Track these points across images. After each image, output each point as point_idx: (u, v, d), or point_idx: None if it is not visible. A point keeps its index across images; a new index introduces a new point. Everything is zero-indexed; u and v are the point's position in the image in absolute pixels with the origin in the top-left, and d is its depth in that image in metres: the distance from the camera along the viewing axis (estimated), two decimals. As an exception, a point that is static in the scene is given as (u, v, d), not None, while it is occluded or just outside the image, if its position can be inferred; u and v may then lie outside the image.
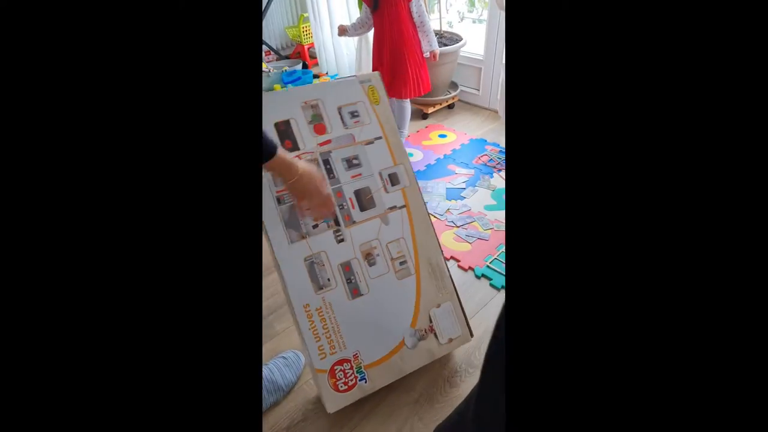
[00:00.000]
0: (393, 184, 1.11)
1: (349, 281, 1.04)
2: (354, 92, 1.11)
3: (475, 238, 1.55)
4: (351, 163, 1.08)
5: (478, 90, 2.45)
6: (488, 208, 1.70)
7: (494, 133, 2.19)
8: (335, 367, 1.01)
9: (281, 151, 0.82)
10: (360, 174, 1.08)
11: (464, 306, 1.13)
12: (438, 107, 2.37)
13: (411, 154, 2.01)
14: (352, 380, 1.02)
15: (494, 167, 1.93)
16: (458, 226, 1.61)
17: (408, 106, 2.04)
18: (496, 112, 2.34)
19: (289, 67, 2.78)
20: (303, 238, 1.02)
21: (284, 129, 1.04)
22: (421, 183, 1.64)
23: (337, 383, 1.01)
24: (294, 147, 1.04)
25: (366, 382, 1.03)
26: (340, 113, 1.09)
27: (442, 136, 2.20)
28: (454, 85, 2.45)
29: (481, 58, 2.35)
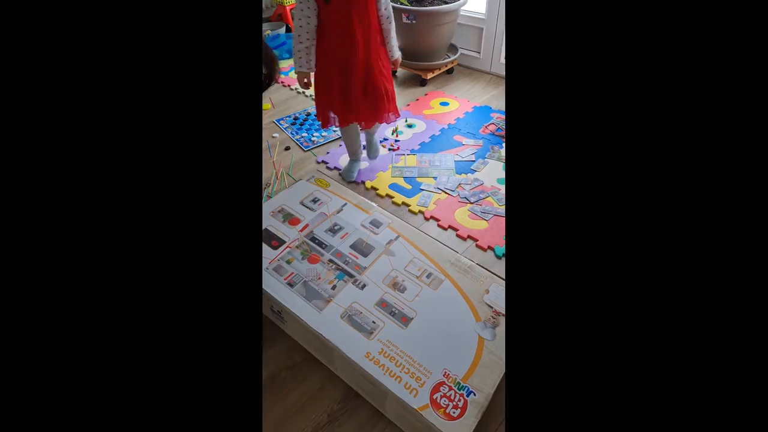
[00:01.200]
0: (377, 227, 1.19)
1: (392, 314, 1.00)
2: (306, 188, 1.29)
3: (491, 215, 1.41)
4: (333, 230, 1.17)
5: (479, 53, 2.20)
6: (501, 181, 1.57)
7: (498, 100, 2.01)
8: (434, 396, 0.87)
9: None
10: (346, 233, 1.16)
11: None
12: (437, 72, 2.15)
13: (413, 125, 1.85)
14: (459, 400, 0.87)
15: (502, 137, 1.78)
16: (472, 203, 1.47)
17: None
18: (499, 76, 2.16)
19: (271, 31, 2.47)
20: (328, 301, 1.01)
21: (265, 236, 1.14)
22: (427, 156, 1.67)
23: (447, 410, 0.85)
24: (280, 243, 1.12)
25: (476, 394, 0.88)
26: (304, 204, 1.23)
27: (444, 104, 2.01)
28: (453, 48, 2.20)
29: (483, 17, 2.09)
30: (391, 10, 1.27)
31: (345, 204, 1.24)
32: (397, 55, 1.35)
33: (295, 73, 1.29)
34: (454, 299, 1.03)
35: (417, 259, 1.11)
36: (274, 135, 1.82)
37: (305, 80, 1.30)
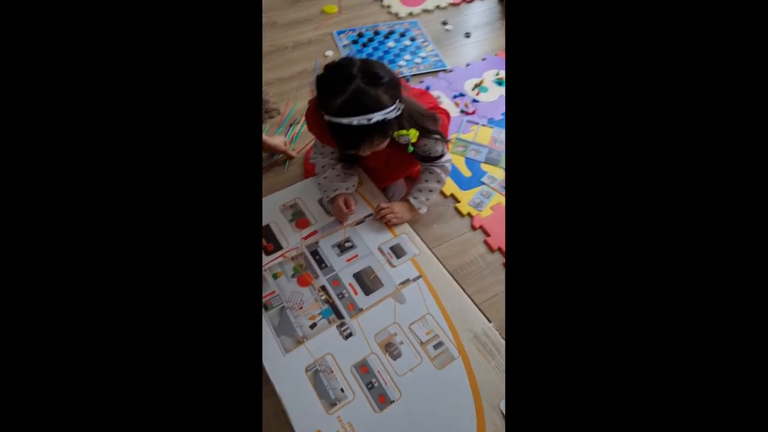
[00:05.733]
0: (398, 257, 0.92)
1: (370, 386, 0.76)
2: (333, 183, 1.05)
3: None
4: (343, 247, 0.94)
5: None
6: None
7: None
8: None
9: None
10: (356, 255, 0.92)
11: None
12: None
13: (485, 89, 1.34)
14: None
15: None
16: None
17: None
18: None
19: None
20: (299, 343, 0.80)
21: (264, 234, 0.95)
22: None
23: None
24: (276, 248, 0.93)
25: None
26: (321, 205, 1.01)
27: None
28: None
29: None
30: (444, 171, 0.97)
31: (369, 215, 0.99)
32: (421, 210, 0.99)
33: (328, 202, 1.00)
34: (458, 392, 0.75)
35: (431, 317, 0.84)
36: (327, 53, 1.52)
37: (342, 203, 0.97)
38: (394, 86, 0.76)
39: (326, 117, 0.76)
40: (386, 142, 0.82)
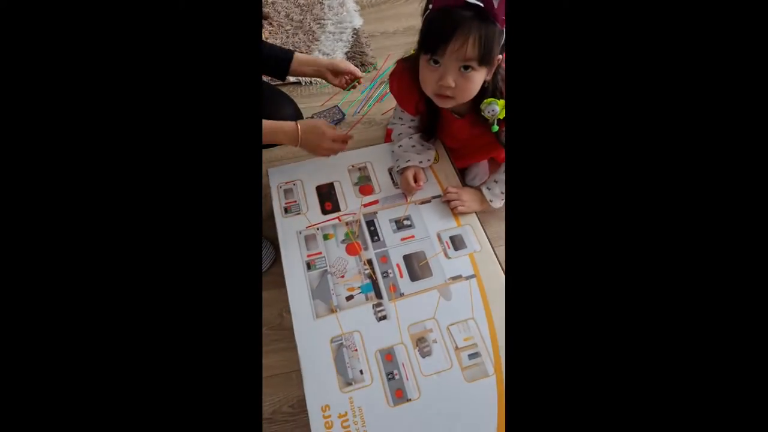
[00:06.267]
0: (456, 249, 0.84)
1: (390, 377, 0.71)
2: (408, 154, 0.98)
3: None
4: (401, 224, 0.87)
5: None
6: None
7: None
8: None
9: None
10: (412, 236, 0.86)
11: None
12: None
13: None
14: None
15: None
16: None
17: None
18: None
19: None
20: (333, 311, 0.78)
21: (326, 191, 0.92)
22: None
23: None
24: (334, 208, 0.90)
25: None
26: (390, 174, 0.95)
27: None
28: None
29: None
30: None
31: (438, 196, 0.91)
32: (494, 203, 0.89)
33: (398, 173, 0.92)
34: (482, 413, 0.68)
35: (474, 323, 0.76)
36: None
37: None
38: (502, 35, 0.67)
39: (425, 13, 0.68)
40: (475, 77, 0.70)
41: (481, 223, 0.88)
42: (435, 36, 0.67)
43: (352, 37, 1.40)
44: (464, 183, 0.98)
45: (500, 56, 0.69)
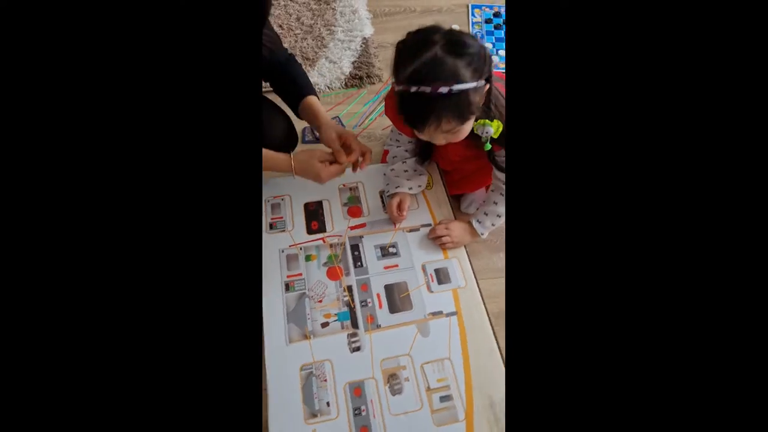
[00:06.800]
0: (440, 282, 0.82)
1: (357, 412, 0.69)
2: (402, 177, 0.96)
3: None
4: (386, 251, 0.85)
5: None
6: None
7: None
8: None
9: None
10: (396, 265, 0.84)
11: None
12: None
13: None
14: None
15: None
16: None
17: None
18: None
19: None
20: (306, 338, 0.76)
21: (314, 209, 0.90)
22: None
23: None
24: (320, 228, 0.88)
25: None
26: (381, 197, 0.92)
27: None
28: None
29: None
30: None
31: (428, 225, 0.88)
32: (484, 235, 0.87)
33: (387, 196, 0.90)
34: (447, 459, 0.66)
35: (450, 364, 0.74)
36: (453, 26, 1.43)
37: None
38: (481, 61, 0.62)
39: (395, 87, 0.64)
40: (461, 131, 0.68)
41: (468, 256, 0.86)
42: (410, 118, 0.67)
43: (361, 46, 1.37)
44: (459, 209, 0.95)
45: (480, 82, 0.66)
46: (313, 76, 1.29)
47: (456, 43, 0.61)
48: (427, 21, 1.48)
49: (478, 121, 0.69)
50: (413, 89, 0.60)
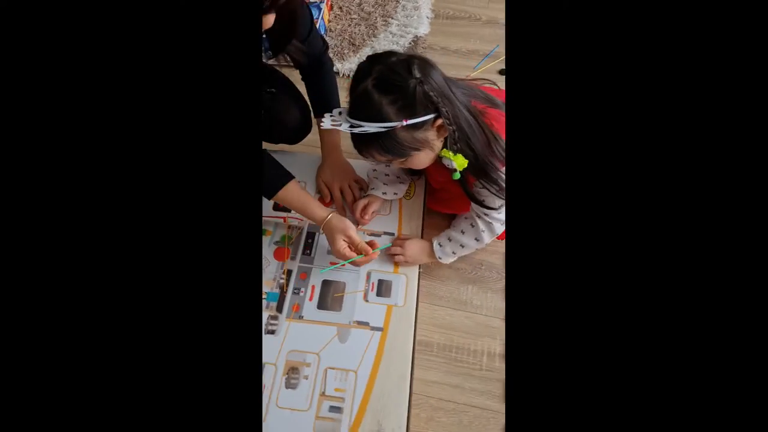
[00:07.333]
0: (379, 294, 0.78)
1: (246, 393, 0.69)
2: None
3: None
4: (340, 247, 0.83)
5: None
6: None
7: None
8: None
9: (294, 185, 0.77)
10: (343, 264, 0.81)
11: None
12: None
13: None
14: None
15: None
16: None
17: None
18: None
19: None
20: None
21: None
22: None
23: None
24: (285, 208, 0.88)
25: None
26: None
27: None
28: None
29: None
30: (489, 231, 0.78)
31: (390, 234, 0.84)
32: (443, 260, 0.83)
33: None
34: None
35: (354, 378, 0.70)
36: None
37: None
38: (410, 99, 0.60)
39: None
40: (409, 161, 0.67)
41: (419, 276, 0.81)
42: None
43: (410, 43, 1.34)
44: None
45: (403, 123, 0.62)
46: (352, 62, 1.29)
47: (386, 81, 0.60)
48: (488, 32, 1.43)
49: (442, 151, 0.65)
50: (338, 122, 0.63)
